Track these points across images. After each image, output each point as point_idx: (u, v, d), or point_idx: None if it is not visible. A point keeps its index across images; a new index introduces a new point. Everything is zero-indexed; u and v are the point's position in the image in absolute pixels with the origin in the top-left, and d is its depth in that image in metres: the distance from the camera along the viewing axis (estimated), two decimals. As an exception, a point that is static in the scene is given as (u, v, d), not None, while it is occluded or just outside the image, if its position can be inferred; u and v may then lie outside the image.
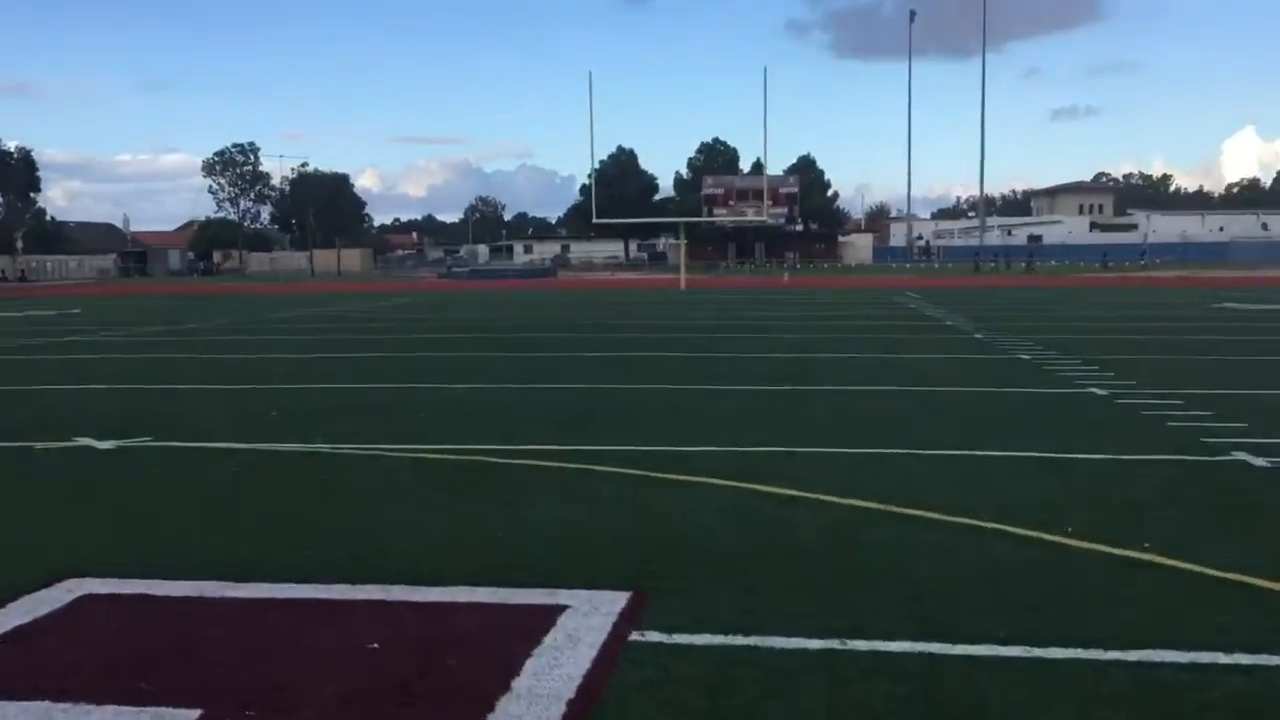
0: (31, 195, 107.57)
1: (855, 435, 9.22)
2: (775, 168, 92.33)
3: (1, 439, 9.23)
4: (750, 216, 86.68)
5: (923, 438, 8.95)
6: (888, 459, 8.17)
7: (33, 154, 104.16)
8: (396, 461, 8.19)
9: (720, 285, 52.54)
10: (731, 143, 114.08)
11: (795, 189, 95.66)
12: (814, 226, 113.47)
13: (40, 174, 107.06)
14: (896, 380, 12.90)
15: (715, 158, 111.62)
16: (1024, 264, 72.95)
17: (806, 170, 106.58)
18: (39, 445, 8.74)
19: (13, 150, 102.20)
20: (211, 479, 7.55)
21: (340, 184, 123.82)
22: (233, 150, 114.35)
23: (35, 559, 5.65)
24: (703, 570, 5.39)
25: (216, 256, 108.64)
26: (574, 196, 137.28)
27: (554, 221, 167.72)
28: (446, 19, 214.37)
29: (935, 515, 6.37)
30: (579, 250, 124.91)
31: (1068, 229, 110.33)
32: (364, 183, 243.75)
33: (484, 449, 8.55)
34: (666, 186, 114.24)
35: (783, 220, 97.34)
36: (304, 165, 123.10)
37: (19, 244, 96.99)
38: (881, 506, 6.59)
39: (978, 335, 19.41)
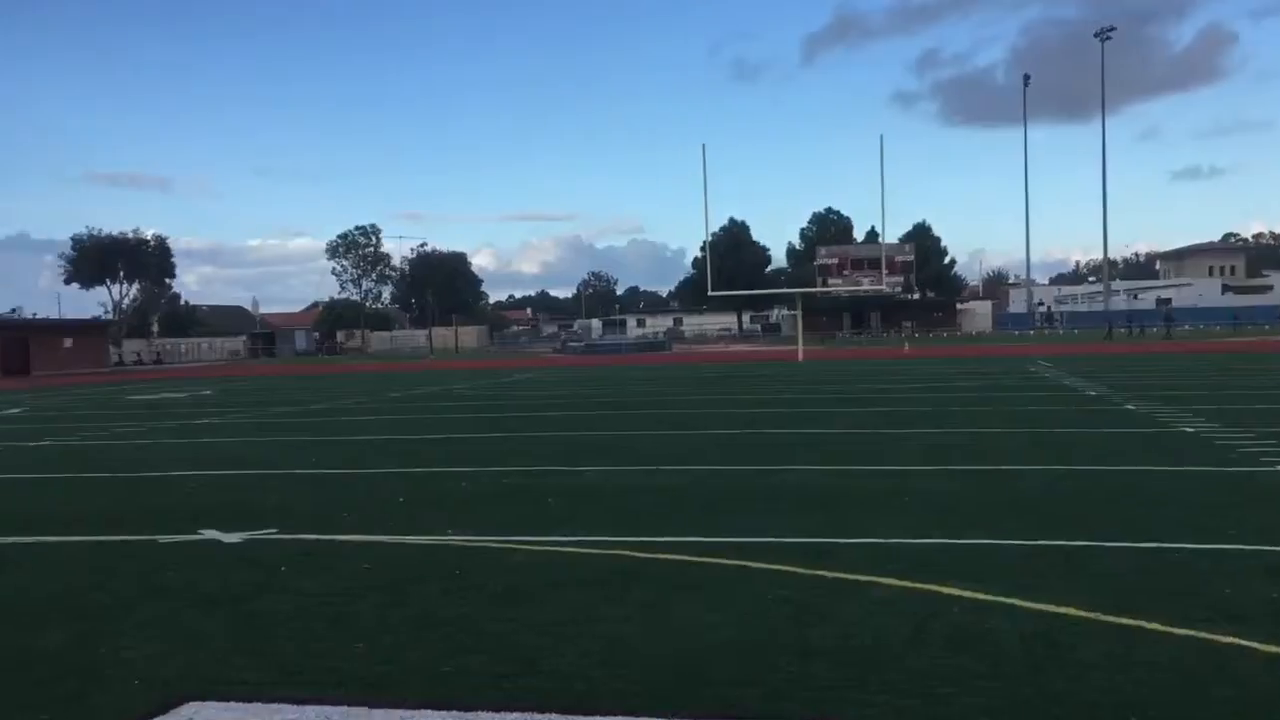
0: (167, 281, 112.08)
1: (1028, 522, 8.36)
2: (889, 236, 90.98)
3: (128, 530, 8.95)
4: (866, 286, 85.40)
5: (1107, 527, 8.05)
6: (1074, 553, 7.30)
7: (168, 242, 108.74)
8: (531, 556, 7.63)
9: (838, 356, 51.49)
10: (844, 212, 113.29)
11: (911, 257, 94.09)
12: (930, 294, 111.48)
13: (175, 260, 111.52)
14: (1056, 459, 11.94)
15: (828, 227, 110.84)
16: (1162, 328, 69.78)
17: (921, 238, 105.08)
18: (162, 539, 8.42)
19: (150, 239, 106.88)
20: (340, 578, 7.08)
21: (457, 263, 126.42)
22: (355, 233, 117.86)
23: (154, 676, 5.20)
24: (897, 696, 4.66)
25: (340, 336, 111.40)
26: (685, 269, 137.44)
27: (665, 295, 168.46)
28: (557, 100, 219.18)
29: (1155, 625, 5.52)
30: (691, 323, 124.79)
31: (1198, 292, 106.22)
32: (480, 261, 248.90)
33: (623, 540, 7.95)
34: (778, 258, 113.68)
35: (899, 289, 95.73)
36: (423, 245, 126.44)
37: (154, 328, 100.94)
38: (1086, 614, 5.76)
39: (1129, 406, 18.19)
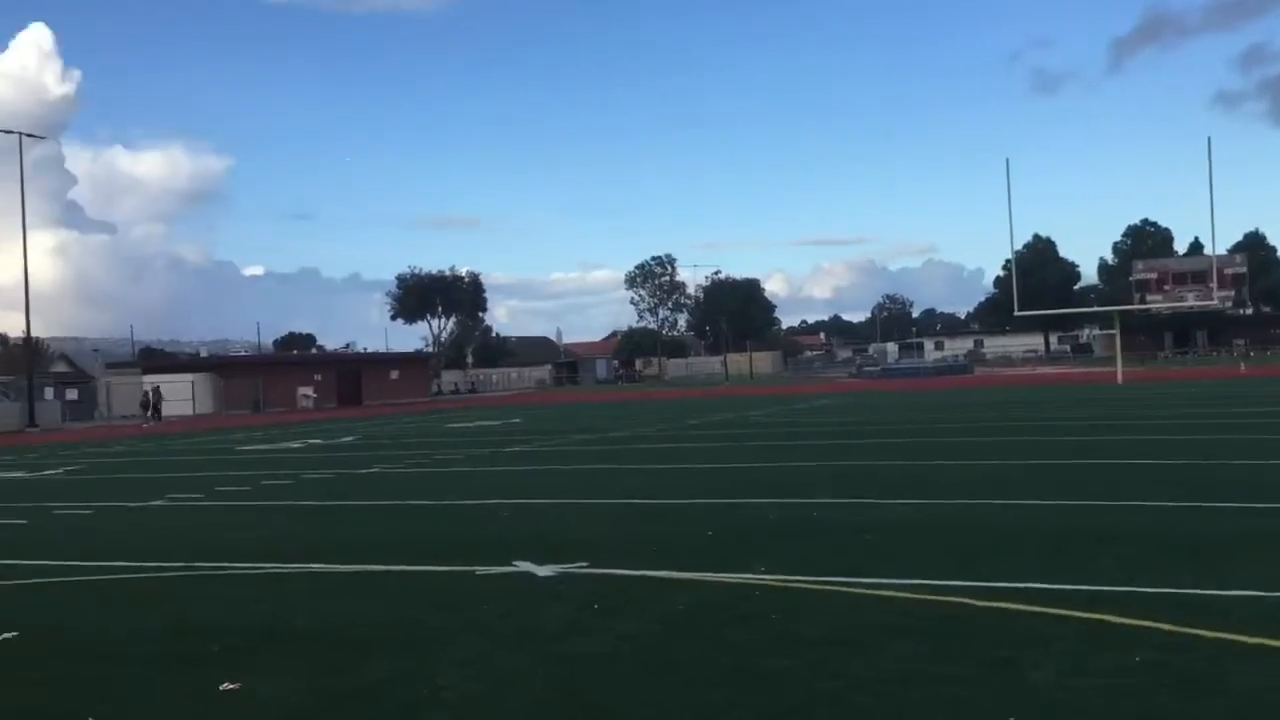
0: (480, 315, 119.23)
1: None
2: (1217, 247, 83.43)
3: (449, 559, 9.07)
4: (1191, 301, 78.66)
5: None
6: None
7: (481, 278, 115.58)
8: (852, 600, 7.05)
9: (1164, 378, 47.51)
10: (1162, 223, 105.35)
11: (1243, 269, 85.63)
12: (1266, 309, 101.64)
13: (487, 295, 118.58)
14: None
15: (1144, 240, 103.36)
16: None
17: (1255, 247, 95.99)
18: (479, 570, 8.45)
19: (464, 276, 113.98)
20: (652, 619, 6.76)
21: (750, 289, 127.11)
22: (651, 263, 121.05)
23: (474, 720, 5.04)
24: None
25: (638, 364, 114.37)
26: (984, 289, 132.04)
27: (963, 316, 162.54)
28: (846, 123, 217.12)
29: None
30: (994, 344, 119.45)
31: None
32: (772, 287, 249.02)
33: (954, 585, 7.22)
34: (1088, 274, 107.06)
35: (1229, 304, 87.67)
36: (716, 273, 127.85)
37: (469, 358, 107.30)
38: None
39: None
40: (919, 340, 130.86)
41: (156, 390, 50.13)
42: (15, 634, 6.82)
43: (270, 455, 24.22)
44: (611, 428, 28.70)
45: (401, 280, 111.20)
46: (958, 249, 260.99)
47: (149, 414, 48.00)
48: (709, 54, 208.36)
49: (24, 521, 13.34)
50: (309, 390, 63.71)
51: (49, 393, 52.42)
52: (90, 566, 9.54)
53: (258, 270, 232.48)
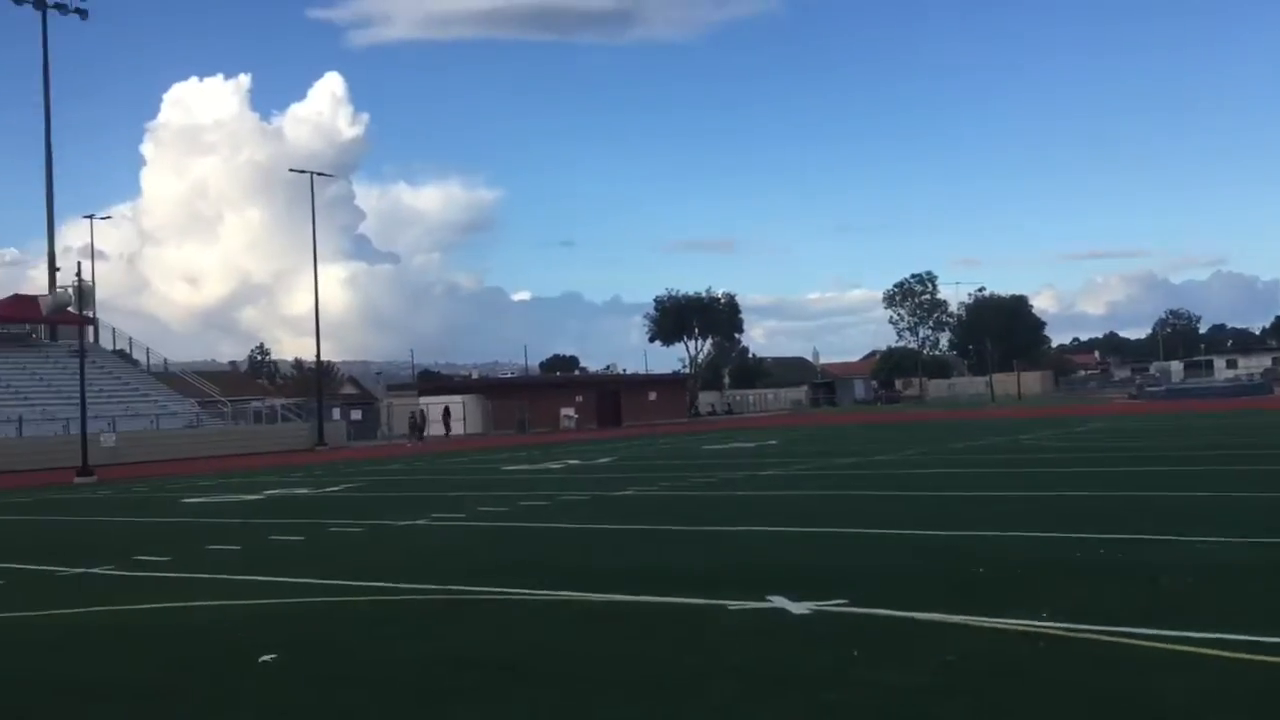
0: (736, 336, 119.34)
1: None
2: None
3: (702, 591, 8.66)
4: None
5: None
6: None
7: (736, 299, 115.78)
8: (1153, 659, 6.12)
9: None
10: None
11: None
12: None
13: (743, 316, 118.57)
14: None
15: None
16: None
17: None
18: (731, 604, 7.99)
19: (720, 297, 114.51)
20: (921, 670, 6.09)
21: (1017, 306, 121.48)
22: (911, 281, 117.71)
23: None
24: None
25: (898, 384, 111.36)
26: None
27: (1259, 332, 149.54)
28: (1119, 127, 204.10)
29: None
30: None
31: None
32: (1041, 303, 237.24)
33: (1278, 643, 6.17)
34: None
35: None
36: (980, 290, 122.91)
37: (726, 379, 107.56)
38: None
39: None
40: (1208, 358, 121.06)
41: (423, 413, 53.53)
42: (274, 656, 6.89)
43: (531, 476, 24.72)
44: (871, 450, 27.70)
45: (659, 302, 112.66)
46: (1251, 259, 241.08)
47: (416, 434, 51.49)
48: (966, 64, 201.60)
49: (300, 538, 13.95)
50: (571, 411, 65.45)
51: (336, 413, 56.12)
52: (351, 586, 9.72)
53: (525, 295, 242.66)
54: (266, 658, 6.81)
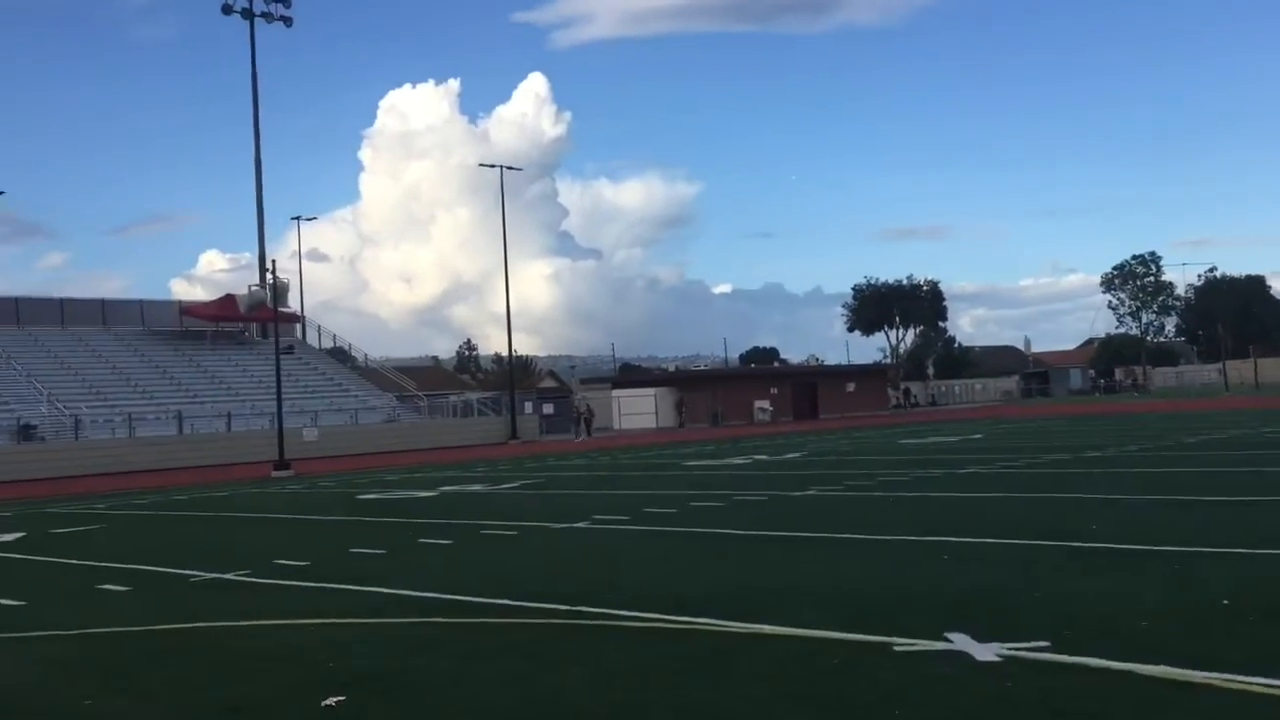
0: (940, 324, 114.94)
1: None
2: None
3: (859, 622, 7.16)
4: None
5: None
6: None
7: (940, 286, 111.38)
8: None
9: None
10: None
11: None
12: None
13: (947, 304, 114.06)
14: None
15: None
16: None
17: None
18: (899, 644, 6.45)
19: (923, 285, 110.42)
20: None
21: (1253, 287, 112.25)
22: (1132, 263, 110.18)
23: None
24: None
25: (1118, 373, 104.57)
26: None
27: None
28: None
29: None
30: None
31: None
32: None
33: None
34: None
35: None
36: (1210, 270, 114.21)
37: (929, 370, 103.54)
38: None
39: None
40: None
41: (589, 406, 52.99)
42: (341, 699, 5.83)
43: (711, 473, 23.44)
44: (1088, 445, 25.13)
45: (858, 291, 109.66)
46: None
47: (582, 428, 50.99)
48: (1186, 34, 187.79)
49: (449, 541, 13.10)
50: (765, 404, 63.82)
51: (528, 407, 56.36)
52: (470, 605, 8.65)
53: (726, 288, 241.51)
54: (331, 701, 5.76)
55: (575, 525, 14.09)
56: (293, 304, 57.68)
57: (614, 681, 6.00)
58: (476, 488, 22.73)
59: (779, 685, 5.77)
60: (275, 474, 32.43)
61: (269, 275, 35.05)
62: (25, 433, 39.21)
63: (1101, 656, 5.91)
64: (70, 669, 7.14)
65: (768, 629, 7.07)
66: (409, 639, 7.49)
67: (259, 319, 49.52)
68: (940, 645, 6.37)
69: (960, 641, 6.42)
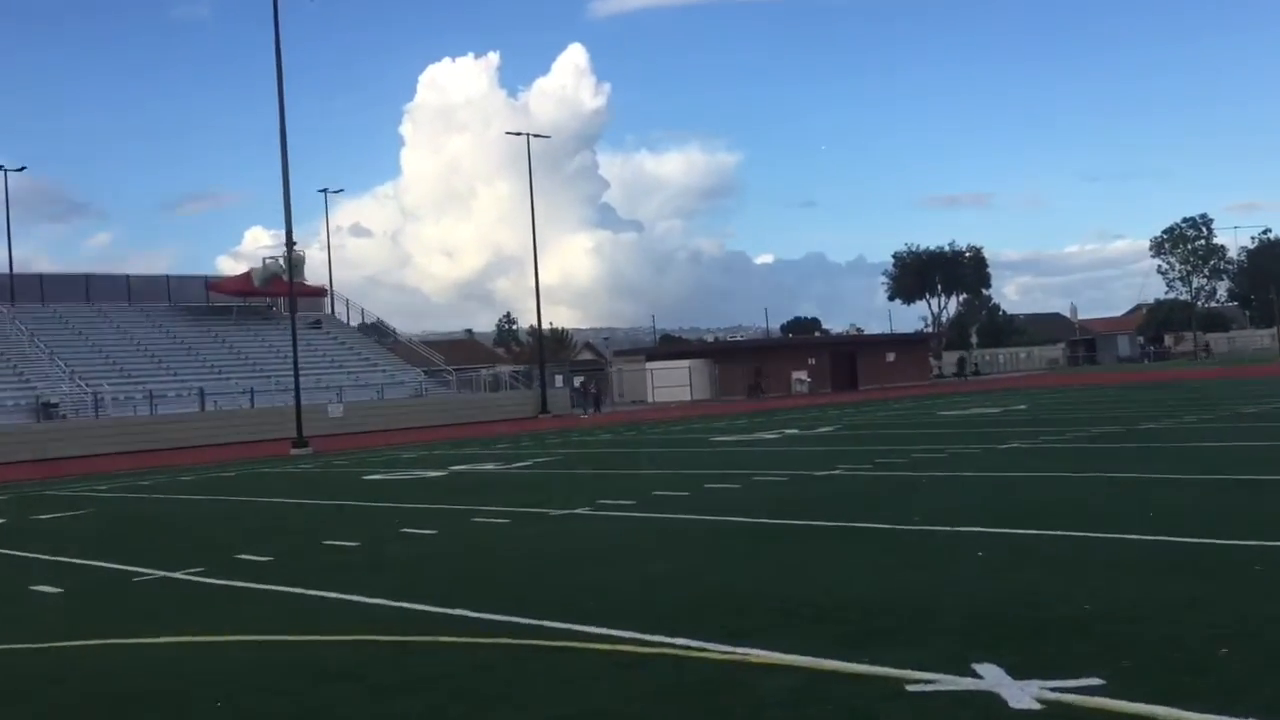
0: (984, 292, 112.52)
1: None
2: None
3: (864, 646, 5.89)
4: None
5: None
6: None
7: (984, 253, 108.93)
8: None
9: None
10: None
11: None
12: None
13: (991, 271, 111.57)
14: None
15: None
16: None
17: None
18: (911, 679, 5.16)
19: (965, 252, 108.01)
20: None
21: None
22: (1183, 226, 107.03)
23: None
24: None
25: (1167, 340, 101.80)
26: None
27: None
28: None
29: None
30: None
31: None
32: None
33: None
34: None
35: None
36: (1265, 233, 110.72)
37: (973, 338, 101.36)
38: None
39: None
40: None
41: (596, 382, 51.29)
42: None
43: (736, 450, 22.17)
44: (1141, 416, 23.58)
45: (898, 258, 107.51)
46: None
47: (589, 405, 49.38)
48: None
49: (434, 531, 11.94)
50: (803, 375, 62.25)
51: (559, 380, 55.24)
52: (407, 615, 7.46)
53: (768, 258, 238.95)
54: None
55: (575, 511, 12.90)
56: (320, 278, 56.95)
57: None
58: (489, 467, 21.62)
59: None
60: (294, 452, 31.57)
61: (286, 248, 34.06)
62: (46, 410, 38.65)
63: (1171, 701, 4.60)
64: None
65: (755, 656, 5.81)
66: (327, 665, 6.29)
67: (277, 293, 48.57)
68: (965, 684, 5.08)
69: (991, 677, 5.13)
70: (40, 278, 51.24)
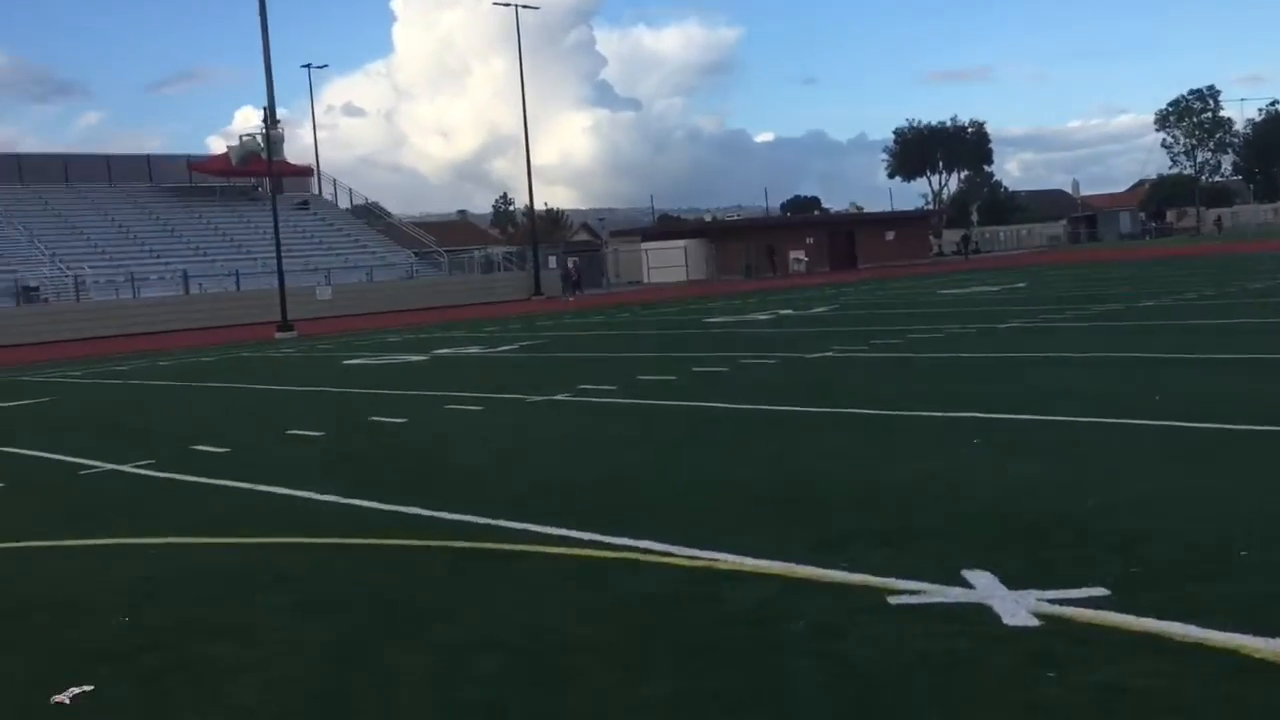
0: (986, 168, 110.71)
1: None
2: None
3: (846, 550, 5.35)
4: None
5: None
6: None
7: (986, 129, 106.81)
8: None
9: None
10: None
11: None
12: None
13: (993, 147, 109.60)
14: None
15: None
16: None
17: None
18: (897, 593, 4.60)
19: (968, 127, 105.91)
20: None
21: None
22: (1189, 98, 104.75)
23: None
24: None
25: (1169, 215, 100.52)
26: None
27: None
28: None
29: None
30: None
31: None
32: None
33: None
34: None
35: None
36: (1272, 105, 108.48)
37: (974, 216, 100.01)
38: None
39: None
40: None
41: (577, 265, 49.32)
42: (87, 689, 4.10)
43: (727, 331, 21.58)
44: (1143, 293, 22.91)
45: (899, 134, 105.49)
46: None
47: (570, 288, 47.71)
48: None
49: (404, 420, 11.38)
50: (800, 254, 61.39)
51: (552, 261, 54.35)
52: (354, 513, 6.92)
53: (768, 136, 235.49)
54: (64, 696, 4.03)
55: (554, 398, 12.33)
56: (304, 158, 55.59)
57: (480, 661, 4.22)
58: (473, 350, 21.05)
59: (702, 671, 3.96)
60: (278, 335, 31.02)
61: (262, 125, 32.90)
62: (26, 294, 37.95)
63: (1184, 616, 4.04)
64: None
65: (723, 561, 5.25)
66: (256, 573, 5.75)
67: (257, 172, 47.26)
68: (954, 594, 4.52)
69: (983, 586, 4.57)
70: (18, 158, 49.98)
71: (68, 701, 3.90)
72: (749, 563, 5.16)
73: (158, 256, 44.22)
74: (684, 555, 5.37)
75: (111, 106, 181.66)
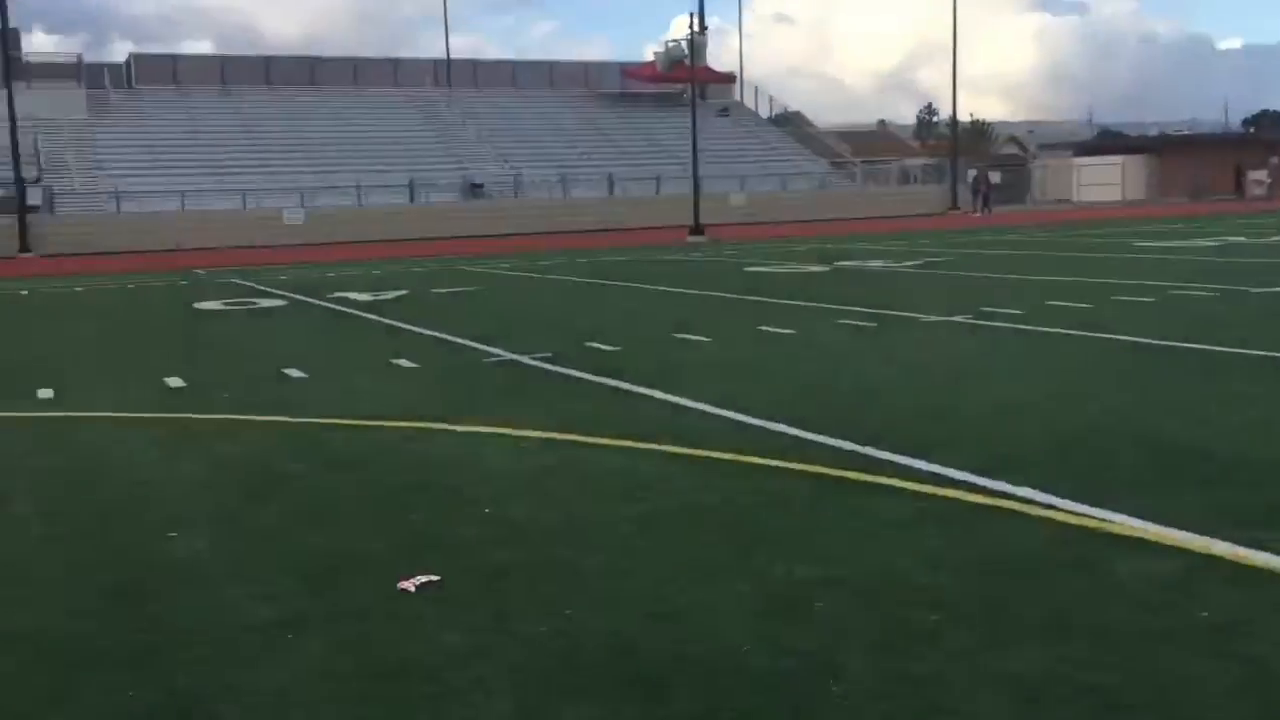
0: None
1: None
2: None
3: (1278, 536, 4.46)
4: None
5: None
6: None
7: None
8: None
9: None
10: None
11: None
12: None
13: None
14: None
15: None
16: None
17: None
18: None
19: None
20: None
21: None
22: None
23: None
24: None
25: None
26: None
27: None
28: None
29: None
30: None
31: None
32: None
33: None
34: None
35: None
36: None
37: None
38: None
39: None
40: None
41: (986, 178, 45.75)
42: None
43: (1163, 257, 19.46)
44: None
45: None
46: None
47: (979, 203, 44.44)
48: None
49: (790, 331, 11.13)
50: (1261, 175, 54.29)
51: (971, 174, 51.66)
52: (710, 421, 6.73)
53: (1235, 42, 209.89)
54: (409, 585, 4.15)
55: (951, 319, 11.62)
56: (728, 65, 56.22)
57: (814, 601, 3.88)
58: (877, 264, 20.41)
59: (1074, 654, 3.38)
60: (690, 239, 31.82)
61: (689, 30, 33.44)
62: (472, 190, 41.48)
63: None
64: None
65: (1118, 524, 4.53)
66: (610, 478, 5.73)
67: (681, 79, 48.17)
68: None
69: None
70: (474, 64, 54.35)
71: (413, 590, 4.00)
72: (1151, 530, 4.43)
73: (589, 159, 46.73)
74: (1070, 511, 4.72)
75: (562, 17, 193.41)
